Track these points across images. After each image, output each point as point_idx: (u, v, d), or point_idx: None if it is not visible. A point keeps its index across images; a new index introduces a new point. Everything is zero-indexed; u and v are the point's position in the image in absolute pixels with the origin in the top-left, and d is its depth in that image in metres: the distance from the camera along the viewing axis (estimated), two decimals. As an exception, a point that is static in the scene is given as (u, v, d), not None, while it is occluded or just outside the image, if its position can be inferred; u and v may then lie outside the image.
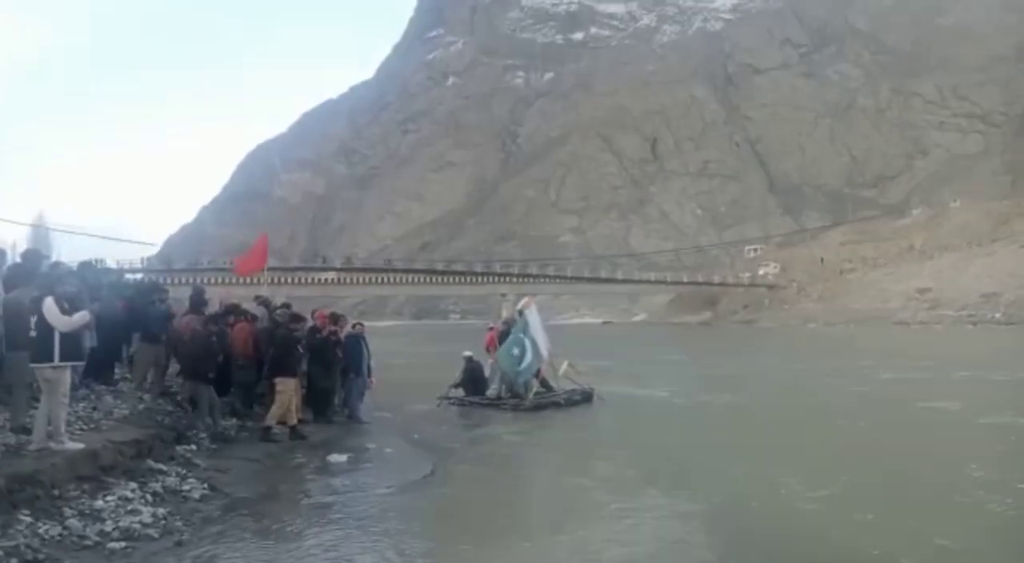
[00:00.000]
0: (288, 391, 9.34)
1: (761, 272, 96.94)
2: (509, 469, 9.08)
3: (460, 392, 13.75)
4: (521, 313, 13.95)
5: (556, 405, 13.12)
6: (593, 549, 5.45)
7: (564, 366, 14.20)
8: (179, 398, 9.74)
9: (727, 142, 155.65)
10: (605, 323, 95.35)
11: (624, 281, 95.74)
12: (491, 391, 13.78)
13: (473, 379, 13.81)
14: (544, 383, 13.78)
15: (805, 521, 6.07)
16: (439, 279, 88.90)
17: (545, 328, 14.00)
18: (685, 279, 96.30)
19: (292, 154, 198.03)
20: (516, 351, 12.99)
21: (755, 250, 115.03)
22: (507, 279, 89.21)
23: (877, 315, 65.63)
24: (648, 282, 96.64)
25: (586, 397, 13.70)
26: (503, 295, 76.16)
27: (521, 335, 13.12)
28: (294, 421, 9.39)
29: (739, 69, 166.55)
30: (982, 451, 9.01)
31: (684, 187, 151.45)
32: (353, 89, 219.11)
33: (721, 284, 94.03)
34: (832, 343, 39.85)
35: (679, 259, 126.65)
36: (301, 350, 9.97)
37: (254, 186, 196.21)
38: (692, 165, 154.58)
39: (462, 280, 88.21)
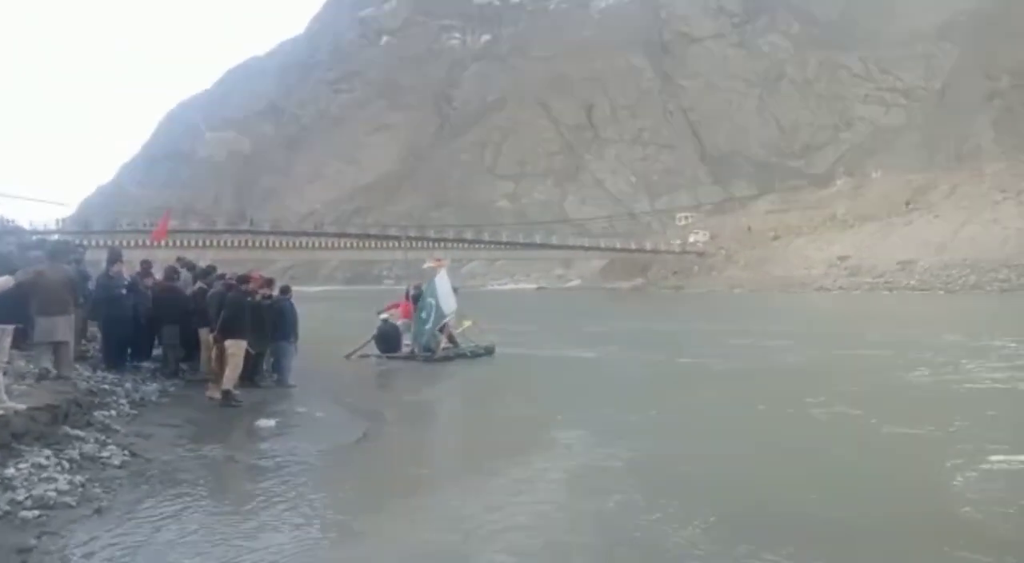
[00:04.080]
0: (240, 353, 9.31)
1: (691, 239, 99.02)
2: (437, 428, 9.49)
3: (374, 350, 15.01)
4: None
5: (463, 357, 14.89)
6: (510, 494, 5.76)
7: (466, 324, 16.09)
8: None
9: (661, 111, 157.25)
10: (539, 289, 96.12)
11: (558, 247, 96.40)
12: (405, 348, 14.97)
13: (385, 338, 15.02)
14: (451, 339, 15.37)
15: (671, 447, 7.44)
16: (372, 244, 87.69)
17: (454, 289, 15.61)
18: (618, 246, 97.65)
19: (216, 112, 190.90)
20: (424, 315, 14.66)
21: (686, 218, 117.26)
22: (442, 244, 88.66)
23: (800, 281, 68.03)
24: (582, 248, 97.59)
25: (488, 351, 15.51)
26: (438, 259, 75.62)
27: (429, 299, 14.67)
28: (228, 386, 9.23)
29: (675, 37, 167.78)
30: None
31: (619, 154, 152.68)
32: (281, 45, 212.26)
33: (653, 251, 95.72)
34: (749, 308, 41.62)
35: (613, 226, 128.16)
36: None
37: (176, 145, 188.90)
38: (627, 133, 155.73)
39: (396, 245, 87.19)
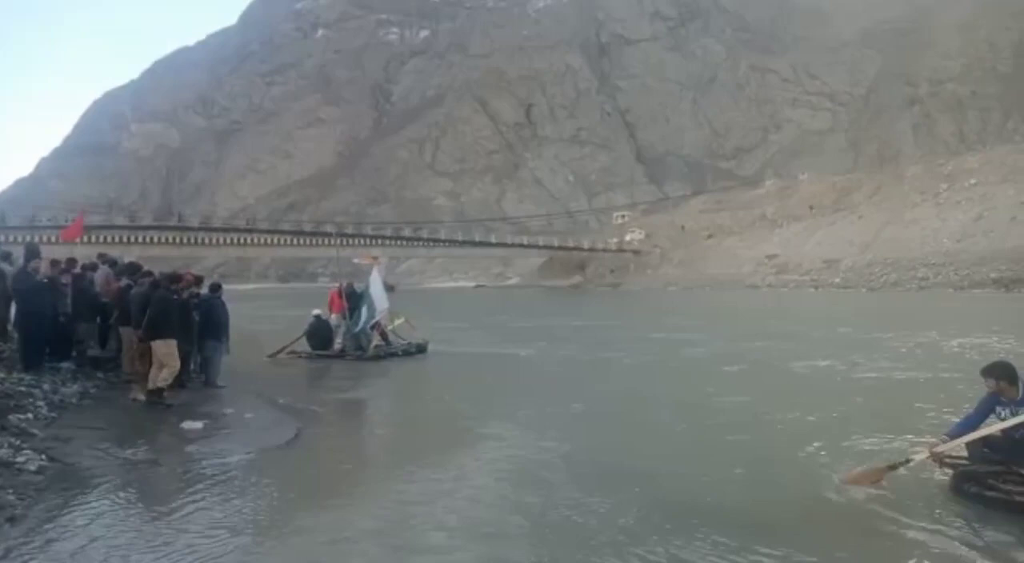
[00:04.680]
0: (172, 352, 9.01)
1: (628, 238, 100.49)
2: (370, 425, 9.45)
3: (306, 347, 14.81)
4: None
5: (395, 355, 14.84)
6: (444, 488, 5.83)
7: (397, 321, 16.19)
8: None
9: (599, 111, 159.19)
10: (478, 286, 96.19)
11: (497, 245, 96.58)
12: (337, 345, 14.86)
13: (317, 335, 14.85)
14: (384, 336, 15.31)
15: (589, 433, 7.95)
16: (307, 241, 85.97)
17: (391, 288, 16.07)
18: (556, 244, 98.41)
19: (144, 104, 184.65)
20: (356, 315, 14.64)
21: (622, 217, 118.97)
22: (379, 242, 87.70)
23: (731, 279, 69.86)
24: (520, 246, 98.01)
25: (421, 348, 15.52)
26: (374, 256, 74.72)
27: (364, 302, 14.63)
28: (154, 386, 8.94)
29: (611, 39, 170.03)
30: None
31: (557, 153, 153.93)
32: (212, 36, 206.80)
33: (590, 249, 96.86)
34: (679, 305, 42.84)
35: (551, 224, 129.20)
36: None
37: (101, 137, 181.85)
38: (565, 132, 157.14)
39: (331, 242, 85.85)
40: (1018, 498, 4.96)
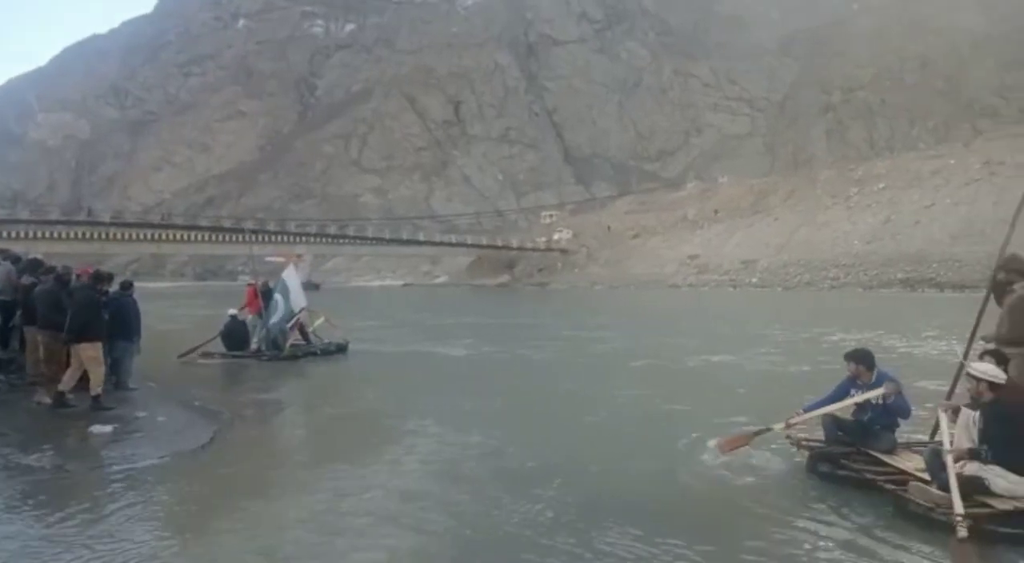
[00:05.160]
0: (99, 356, 8.70)
1: (555, 237, 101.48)
2: (288, 426, 9.31)
3: (220, 347, 14.35)
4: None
5: (313, 355, 14.57)
6: (364, 485, 5.86)
7: (318, 321, 16.05)
8: None
9: (527, 110, 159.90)
10: (406, 285, 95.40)
11: (425, 243, 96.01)
12: (253, 345, 14.48)
13: (233, 336, 14.44)
14: (304, 335, 15.11)
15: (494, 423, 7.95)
16: (225, 237, 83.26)
17: (315, 286, 15.36)
18: (485, 242, 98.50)
19: (51, 92, 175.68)
20: (271, 313, 14.29)
21: (550, 216, 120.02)
22: (303, 239, 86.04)
23: (654, 278, 71.50)
24: (449, 245, 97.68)
25: (341, 348, 15.33)
26: (298, 255, 73.05)
27: (277, 296, 14.31)
28: (67, 388, 8.60)
29: (539, 39, 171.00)
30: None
31: (486, 152, 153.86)
32: (126, 24, 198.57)
33: (519, 248, 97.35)
34: (600, 303, 43.82)
35: (479, 223, 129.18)
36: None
37: (5, 126, 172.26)
38: (494, 131, 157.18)
39: (253, 239, 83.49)
40: (867, 476, 5.54)
